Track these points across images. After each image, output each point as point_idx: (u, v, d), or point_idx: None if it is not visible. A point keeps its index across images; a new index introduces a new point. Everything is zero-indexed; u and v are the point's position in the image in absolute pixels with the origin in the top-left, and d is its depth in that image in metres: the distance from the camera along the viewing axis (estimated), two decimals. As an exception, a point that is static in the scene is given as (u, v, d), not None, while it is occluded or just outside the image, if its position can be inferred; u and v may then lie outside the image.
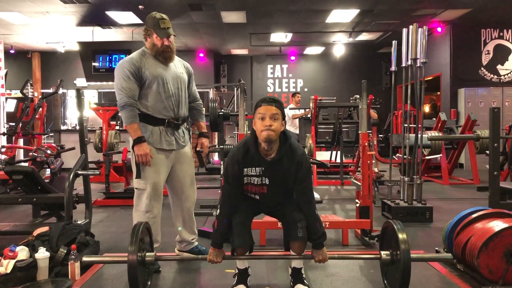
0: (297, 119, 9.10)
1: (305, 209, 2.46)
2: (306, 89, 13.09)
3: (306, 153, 5.89)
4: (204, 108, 3.41)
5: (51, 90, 9.33)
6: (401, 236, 2.40)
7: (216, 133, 9.47)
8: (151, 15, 2.99)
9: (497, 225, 2.73)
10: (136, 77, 2.89)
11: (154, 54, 2.97)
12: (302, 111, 9.25)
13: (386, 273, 2.63)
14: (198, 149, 3.26)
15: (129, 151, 3.25)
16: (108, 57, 9.96)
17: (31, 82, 11.15)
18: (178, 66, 3.11)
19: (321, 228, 2.47)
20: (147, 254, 2.53)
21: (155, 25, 2.94)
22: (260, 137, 2.34)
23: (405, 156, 4.84)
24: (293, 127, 9.15)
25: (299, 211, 2.48)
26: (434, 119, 8.74)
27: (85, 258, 2.58)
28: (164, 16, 2.98)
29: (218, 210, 2.50)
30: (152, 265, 2.68)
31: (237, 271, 2.62)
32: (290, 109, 9.25)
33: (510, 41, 9.77)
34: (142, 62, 2.92)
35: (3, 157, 7.12)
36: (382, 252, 2.56)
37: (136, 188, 3.00)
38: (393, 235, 2.48)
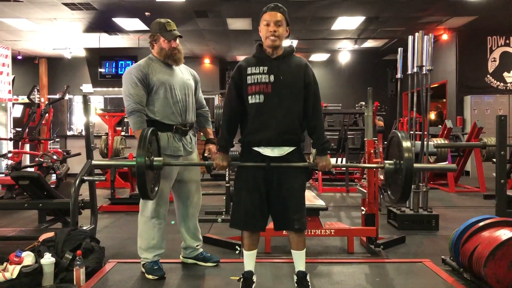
0: None
1: (311, 117, 2.51)
2: (311, 96, 13.08)
3: (311, 160, 5.90)
4: (210, 114, 3.42)
5: (57, 96, 9.38)
6: (405, 144, 2.40)
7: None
8: (156, 21, 3.03)
9: (505, 233, 2.71)
10: (144, 83, 2.91)
11: (162, 58, 2.99)
12: None
13: (390, 184, 2.64)
14: (205, 154, 3.27)
15: (135, 157, 3.25)
16: (114, 63, 10.03)
17: (38, 88, 11.22)
18: (185, 72, 3.14)
19: (325, 138, 2.54)
20: (155, 158, 2.54)
21: (161, 29, 2.97)
22: (265, 42, 2.46)
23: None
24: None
25: (298, 203, 2.49)
26: (440, 126, 8.71)
27: (95, 162, 2.62)
28: (169, 20, 3.03)
29: (222, 118, 2.58)
30: (160, 169, 2.64)
31: (241, 277, 2.60)
32: None
33: (517, 48, 9.76)
34: (149, 68, 2.95)
35: (9, 162, 7.15)
36: (386, 162, 2.57)
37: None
38: (397, 144, 2.49)
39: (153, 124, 2.94)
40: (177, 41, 3.01)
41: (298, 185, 2.53)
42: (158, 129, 2.95)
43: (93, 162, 2.63)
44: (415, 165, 2.36)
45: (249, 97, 2.46)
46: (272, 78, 2.43)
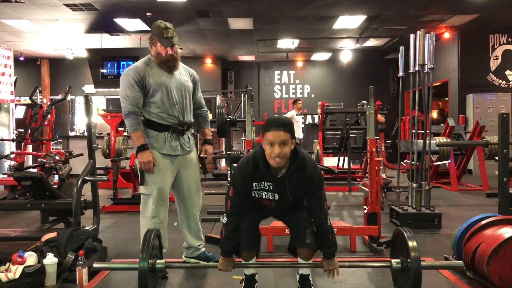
0: (300, 124, 9.12)
1: (317, 219, 2.42)
2: (313, 95, 13.11)
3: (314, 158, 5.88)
4: (209, 115, 3.42)
5: (59, 97, 9.41)
6: (412, 244, 2.38)
7: (224, 139, 9.51)
8: (156, 23, 3.03)
9: (507, 232, 2.70)
10: (141, 85, 2.92)
11: (158, 62, 3.00)
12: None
13: (397, 279, 2.62)
14: (202, 155, 3.27)
15: (129, 158, 3.28)
16: (116, 64, 10.03)
17: (40, 89, 11.23)
18: (183, 73, 3.13)
19: (332, 239, 2.42)
20: (158, 261, 2.53)
21: (159, 34, 2.97)
22: (269, 161, 2.28)
23: (413, 162, 4.82)
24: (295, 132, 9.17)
25: (308, 217, 2.46)
26: (442, 125, 8.69)
27: (95, 265, 2.58)
28: (169, 25, 3.00)
29: (226, 219, 2.46)
30: (162, 272, 2.67)
31: (244, 277, 2.61)
32: (296, 115, 9.27)
33: (519, 46, 9.73)
34: (146, 70, 2.95)
35: (12, 163, 7.17)
36: (393, 260, 2.54)
37: (142, 194, 3.02)
38: (403, 243, 2.46)
39: (150, 125, 2.96)
40: (175, 48, 3.00)
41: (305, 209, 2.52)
42: (155, 129, 2.97)
43: (94, 265, 2.60)
44: (423, 263, 2.36)
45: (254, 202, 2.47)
46: (276, 196, 2.39)
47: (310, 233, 2.42)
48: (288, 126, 2.28)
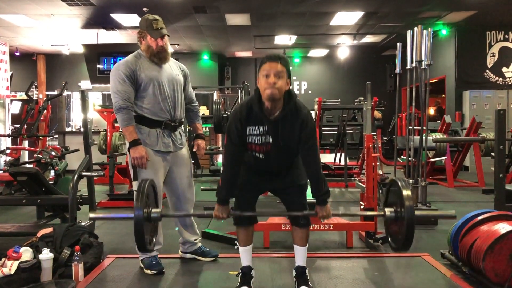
0: None
1: (310, 169, 2.43)
2: (310, 91, 13.08)
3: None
4: (200, 110, 3.40)
5: (56, 92, 9.36)
6: (406, 193, 2.34)
7: (220, 135, 9.49)
8: (144, 17, 3.02)
9: (503, 227, 2.71)
10: (132, 80, 2.89)
11: (149, 55, 2.97)
12: None
13: (391, 232, 2.60)
14: (194, 150, 3.26)
15: (126, 154, 3.25)
16: (112, 59, 10.03)
17: (36, 84, 11.16)
18: (174, 68, 3.11)
19: (325, 187, 2.44)
20: (153, 210, 2.51)
21: (148, 26, 2.95)
22: (263, 95, 2.28)
23: (409, 159, 4.82)
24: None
25: (302, 194, 2.55)
26: (439, 121, 8.71)
27: (91, 215, 2.61)
28: (157, 17, 3.00)
29: (222, 168, 2.51)
30: (158, 221, 2.63)
31: (240, 272, 2.61)
32: None
33: (516, 43, 9.74)
34: (137, 64, 2.92)
35: (8, 158, 7.14)
36: (386, 209, 2.51)
37: (135, 191, 3.00)
38: (397, 192, 2.43)
39: (142, 120, 2.93)
40: (165, 39, 2.98)
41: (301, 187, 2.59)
42: (147, 125, 2.95)
43: (91, 215, 2.59)
44: (417, 212, 2.33)
45: (249, 151, 2.46)
46: (270, 139, 2.38)
47: (305, 217, 2.52)
48: (284, 60, 2.31)
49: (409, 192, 2.34)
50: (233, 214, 2.54)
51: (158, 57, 2.97)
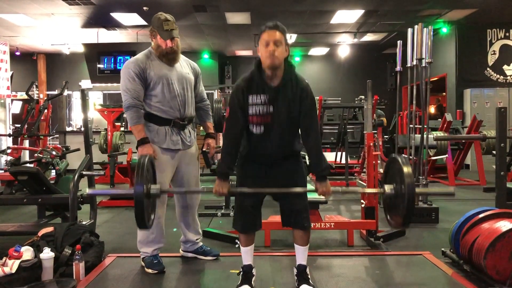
0: None
1: (310, 144, 2.44)
2: (310, 90, 13.06)
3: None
4: (210, 108, 3.39)
5: (56, 92, 9.35)
6: (406, 170, 2.31)
7: (221, 134, 9.49)
8: (156, 15, 2.99)
9: (504, 225, 2.70)
10: (141, 78, 2.89)
11: (158, 55, 2.97)
12: None
13: (390, 209, 2.55)
14: (204, 149, 3.25)
15: (134, 152, 3.25)
16: (113, 59, 10.00)
17: (36, 84, 11.19)
18: (184, 66, 3.11)
19: (325, 163, 2.45)
20: (152, 186, 2.49)
21: (159, 26, 2.94)
22: (264, 63, 2.34)
23: (410, 157, 4.82)
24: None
25: (304, 197, 2.53)
26: (440, 120, 8.70)
27: (88, 191, 2.57)
28: (169, 17, 2.97)
29: (223, 143, 2.53)
30: (156, 197, 2.60)
31: (241, 270, 2.61)
32: None
33: (516, 41, 9.73)
34: (147, 63, 2.92)
35: (8, 158, 7.14)
36: (386, 186, 2.48)
37: None
38: (397, 169, 2.39)
39: (151, 118, 2.93)
40: (175, 40, 2.96)
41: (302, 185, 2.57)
42: (156, 123, 2.94)
43: (89, 191, 2.57)
44: (417, 189, 2.31)
45: (250, 126, 2.45)
46: (271, 108, 2.39)
47: (307, 216, 2.51)
48: (282, 28, 2.37)
49: (409, 169, 2.33)
50: (233, 191, 2.54)
51: (167, 58, 2.96)
